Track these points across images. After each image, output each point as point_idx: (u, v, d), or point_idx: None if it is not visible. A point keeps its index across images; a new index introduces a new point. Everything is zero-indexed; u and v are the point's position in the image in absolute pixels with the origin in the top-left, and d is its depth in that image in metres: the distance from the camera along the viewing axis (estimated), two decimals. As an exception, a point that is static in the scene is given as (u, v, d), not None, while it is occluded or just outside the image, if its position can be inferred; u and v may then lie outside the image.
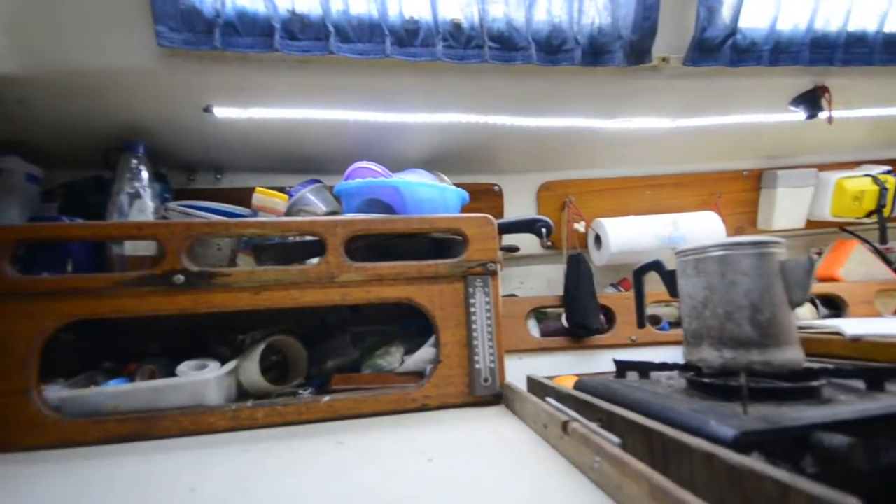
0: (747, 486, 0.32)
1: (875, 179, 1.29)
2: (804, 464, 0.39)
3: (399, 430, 0.64)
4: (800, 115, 1.04)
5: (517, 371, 0.82)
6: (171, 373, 0.71)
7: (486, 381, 0.77)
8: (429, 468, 0.50)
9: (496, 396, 0.77)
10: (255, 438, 0.63)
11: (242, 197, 0.90)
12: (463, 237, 0.80)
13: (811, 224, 1.37)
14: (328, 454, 0.56)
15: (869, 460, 0.41)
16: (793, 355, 0.53)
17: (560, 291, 1.18)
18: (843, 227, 1.41)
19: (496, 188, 1.20)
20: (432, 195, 0.86)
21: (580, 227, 1.20)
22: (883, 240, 1.31)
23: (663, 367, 0.64)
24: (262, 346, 0.74)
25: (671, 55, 0.89)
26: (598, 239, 1.23)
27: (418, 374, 0.82)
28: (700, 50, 0.86)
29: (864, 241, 1.37)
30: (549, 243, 1.27)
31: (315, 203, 0.89)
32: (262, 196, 0.83)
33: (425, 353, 0.83)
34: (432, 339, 0.83)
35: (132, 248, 0.79)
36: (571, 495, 0.42)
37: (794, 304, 0.54)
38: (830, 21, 0.91)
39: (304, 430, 0.66)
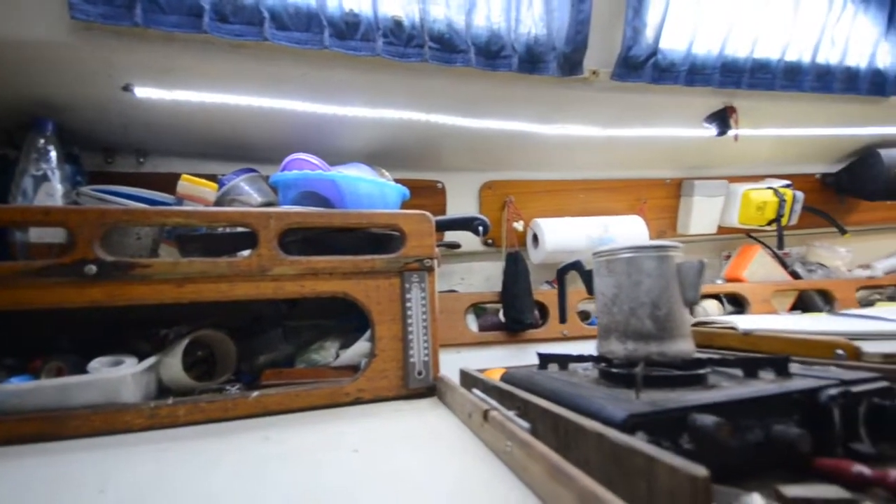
0: (626, 461, 0.36)
1: (776, 192, 1.45)
2: (682, 441, 0.45)
3: (330, 424, 0.65)
4: (712, 131, 1.16)
5: (455, 364, 0.85)
6: (83, 370, 0.67)
7: (420, 374, 0.79)
8: (354, 460, 0.51)
9: (430, 389, 0.79)
10: (174, 437, 0.61)
11: (168, 183, 0.86)
12: (401, 233, 0.82)
13: (722, 230, 1.52)
14: (252, 450, 0.55)
15: (735, 437, 0.48)
16: (685, 346, 0.60)
17: (499, 288, 1.22)
18: (748, 234, 1.57)
19: (439, 185, 1.23)
20: (371, 190, 0.87)
21: (519, 226, 1.25)
22: (780, 246, 1.49)
23: (580, 358, 0.69)
24: (185, 342, 0.71)
25: (601, 69, 0.96)
26: (535, 238, 1.29)
27: (353, 369, 0.82)
28: (626, 66, 0.93)
29: (766, 246, 1.54)
30: (489, 241, 1.32)
31: (249, 193, 0.87)
32: (188, 184, 0.79)
33: (360, 347, 0.84)
34: (368, 334, 0.84)
35: (37, 234, 0.73)
36: (486, 478, 0.45)
37: (688, 302, 0.60)
38: (739, 48, 1.01)
39: (230, 427, 0.65)
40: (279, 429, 0.63)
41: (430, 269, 0.83)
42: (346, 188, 0.82)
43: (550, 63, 0.89)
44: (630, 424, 0.43)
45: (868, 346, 0.72)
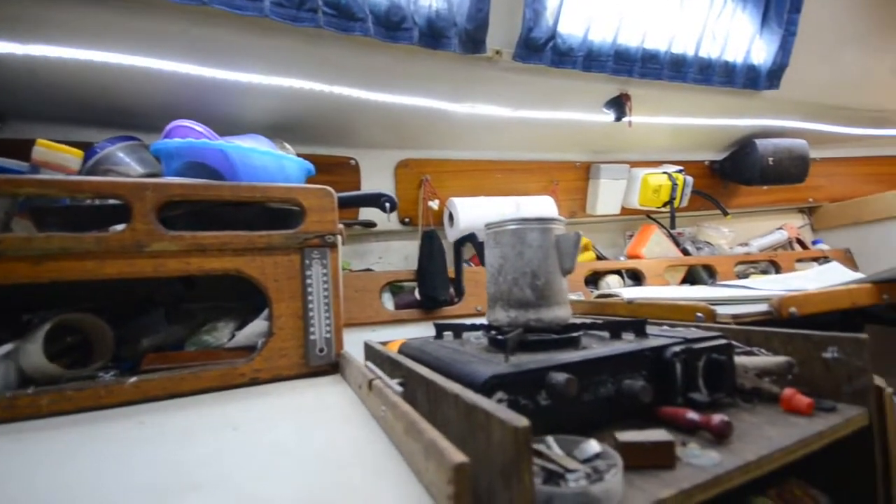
0: (473, 418, 0.39)
1: (670, 176, 1.59)
2: (539, 398, 0.49)
3: (218, 406, 0.63)
4: (611, 116, 1.23)
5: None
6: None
7: (321, 351, 0.78)
8: (231, 436, 0.50)
9: (333, 366, 0.79)
10: (36, 428, 0.56)
11: (29, 150, 0.75)
12: (300, 208, 0.79)
13: (626, 211, 1.64)
14: (123, 436, 0.52)
15: (589, 392, 0.53)
16: (561, 313, 0.65)
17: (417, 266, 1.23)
18: (648, 215, 1.72)
19: (353, 162, 1.20)
20: (268, 163, 0.83)
21: (434, 204, 1.27)
22: (672, 226, 1.64)
23: (472, 327, 0.72)
24: (46, 327, 0.64)
25: (504, 49, 0.98)
26: (451, 217, 1.31)
27: (250, 349, 0.80)
28: (527, 47, 0.96)
29: (661, 226, 1.69)
30: (406, 220, 1.32)
31: (128, 163, 0.79)
32: (44, 149, 0.70)
33: (257, 326, 0.81)
34: (265, 312, 0.81)
35: None
36: (357, 438, 0.46)
37: (564, 271, 0.65)
38: (631, 39, 1.08)
39: (104, 416, 0.60)
40: (159, 414, 0.60)
41: (333, 246, 0.82)
42: (238, 159, 0.78)
43: (452, 39, 0.89)
44: (489, 385, 0.46)
45: (722, 310, 0.82)
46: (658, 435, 0.45)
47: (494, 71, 1.02)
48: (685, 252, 1.72)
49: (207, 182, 0.74)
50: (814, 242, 2.03)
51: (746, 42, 1.23)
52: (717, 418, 0.50)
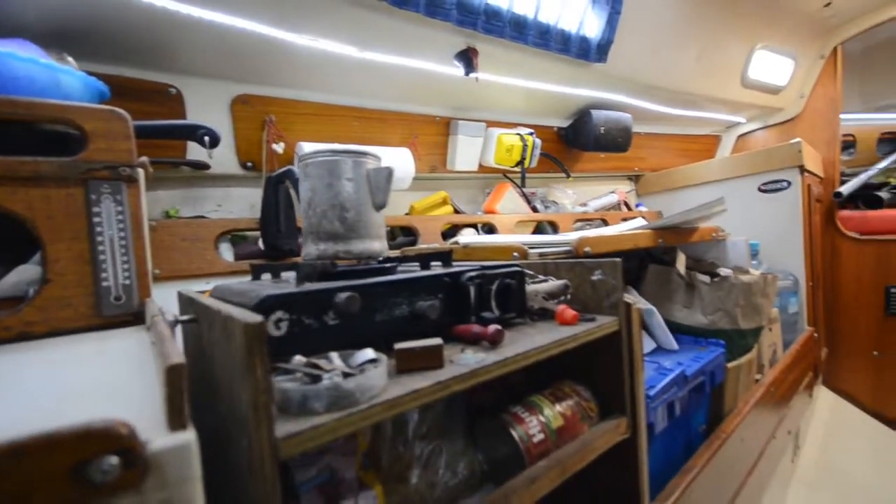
0: (225, 326, 0.38)
1: (521, 138, 1.72)
2: (327, 318, 0.50)
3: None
4: (461, 70, 1.27)
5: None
6: None
7: (117, 300, 0.70)
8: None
9: (136, 316, 0.71)
10: None
11: None
12: (80, 132, 0.67)
13: (483, 168, 1.74)
14: None
15: (379, 313, 0.56)
16: (374, 246, 0.67)
17: (264, 214, 1.15)
18: (505, 174, 1.84)
19: (173, 91, 1.05)
20: (36, 74, 0.68)
21: (279, 148, 1.18)
22: (523, 184, 1.79)
23: (293, 267, 0.71)
24: None
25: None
26: (301, 163, 1.24)
27: (20, 300, 0.67)
28: (365, -20, 0.92)
29: (515, 184, 1.83)
30: (248, 164, 1.22)
31: None
32: None
33: (25, 272, 0.69)
34: (37, 256, 0.69)
35: None
36: (126, 374, 0.43)
37: (377, 206, 0.66)
38: (475, -9, 1.11)
39: None
40: None
41: (131, 180, 0.72)
42: (-17, 64, 0.62)
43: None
44: (266, 305, 0.45)
45: (534, 250, 0.93)
46: (430, 342, 0.50)
47: (329, 1, 0.97)
48: (534, 209, 1.90)
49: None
50: (637, 205, 2.41)
51: (580, 13, 1.35)
52: (493, 328, 0.58)
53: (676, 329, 1.23)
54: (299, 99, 1.26)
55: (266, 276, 0.73)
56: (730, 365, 1.15)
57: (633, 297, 1.14)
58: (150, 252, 0.95)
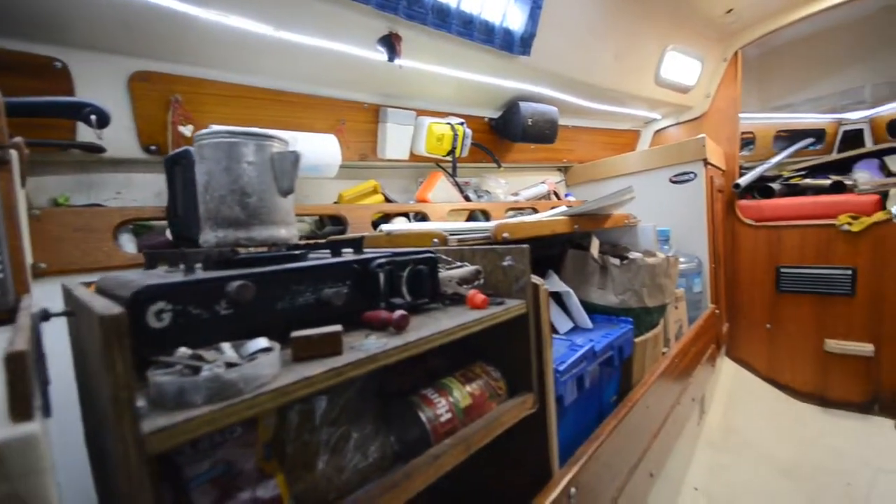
0: (90, 319, 0.36)
1: (452, 127, 1.73)
2: (219, 307, 0.48)
3: None
4: (385, 56, 1.25)
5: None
6: None
7: (-15, 295, 0.62)
8: None
9: (11, 312, 0.63)
10: None
11: None
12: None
13: (415, 157, 1.74)
14: None
15: (280, 301, 0.55)
16: (281, 233, 0.65)
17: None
18: (437, 163, 1.85)
19: (58, 65, 0.94)
20: None
21: (187, 130, 1.10)
22: (454, 173, 1.81)
23: (193, 255, 0.67)
24: None
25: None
26: (216, 149, 1.17)
27: None
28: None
29: (447, 173, 1.85)
30: (152, 147, 1.12)
31: None
32: None
33: None
34: None
35: None
36: None
37: (283, 192, 0.64)
38: (396, -25, 1.09)
39: None
40: None
41: (2, 163, 0.64)
42: None
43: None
44: (142, 297, 0.43)
45: (454, 237, 0.95)
46: (328, 329, 0.50)
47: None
48: (467, 198, 1.93)
49: None
50: (567, 195, 2.53)
51: (503, 5, 1.38)
52: (398, 314, 0.58)
53: (593, 309, 1.31)
54: (210, 78, 1.18)
55: (162, 266, 0.69)
56: (637, 340, 1.25)
57: (551, 281, 1.21)
58: (29, 243, 0.86)
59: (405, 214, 1.66)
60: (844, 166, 2.64)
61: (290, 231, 0.67)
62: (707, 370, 2.05)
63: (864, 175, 2.51)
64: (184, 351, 0.44)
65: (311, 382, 0.43)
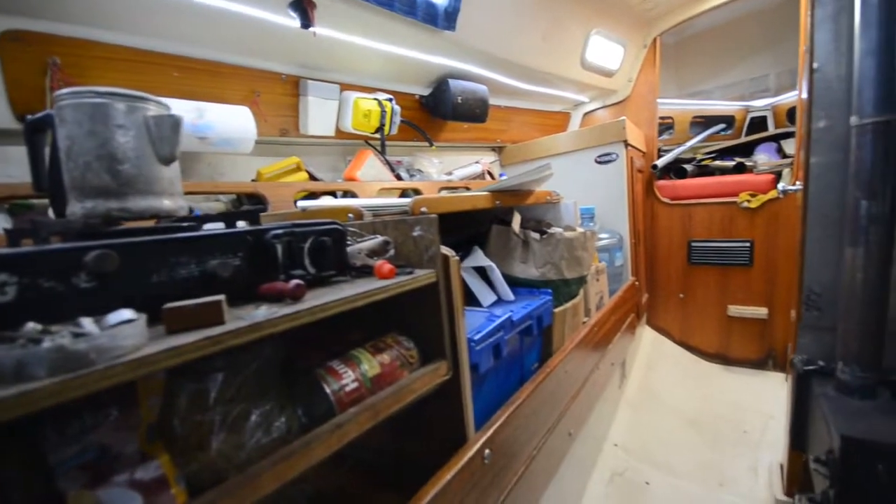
0: None
1: (380, 103, 1.69)
2: (78, 280, 0.44)
3: None
4: (298, 22, 1.19)
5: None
6: None
7: None
8: None
9: None
10: None
11: None
12: None
13: (343, 135, 1.68)
14: None
15: (157, 274, 0.51)
16: (161, 204, 0.60)
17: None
18: (366, 141, 1.81)
19: None
20: None
21: (70, 98, 0.99)
22: (383, 151, 1.78)
23: (48, 225, 0.61)
24: None
25: None
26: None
27: None
28: None
29: (377, 151, 1.82)
30: (28, 116, 1.00)
31: None
32: None
33: None
34: None
35: None
36: None
37: (163, 159, 0.60)
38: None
39: None
40: None
41: None
42: None
43: None
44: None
45: (368, 212, 0.94)
46: (207, 299, 0.47)
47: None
48: (399, 177, 1.91)
49: None
50: (501, 175, 2.58)
51: (426, -23, 1.36)
52: (293, 283, 0.57)
53: (515, 282, 1.36)
54: (97, 40, 1.06)
55: (27, 243, 0.62)
56: (557, 310, 1.32)
57: (476, 256, 1.23)
58: None
59: (332, 193, 1.61)
60: (749, 149, 2.91)
61: (175, 202, 0.62)
62: (627, 338, 2.21)
63: (762, 157, 2.79)
64: (33, 326, 0.40)
65: (180, 352, 0.41)
